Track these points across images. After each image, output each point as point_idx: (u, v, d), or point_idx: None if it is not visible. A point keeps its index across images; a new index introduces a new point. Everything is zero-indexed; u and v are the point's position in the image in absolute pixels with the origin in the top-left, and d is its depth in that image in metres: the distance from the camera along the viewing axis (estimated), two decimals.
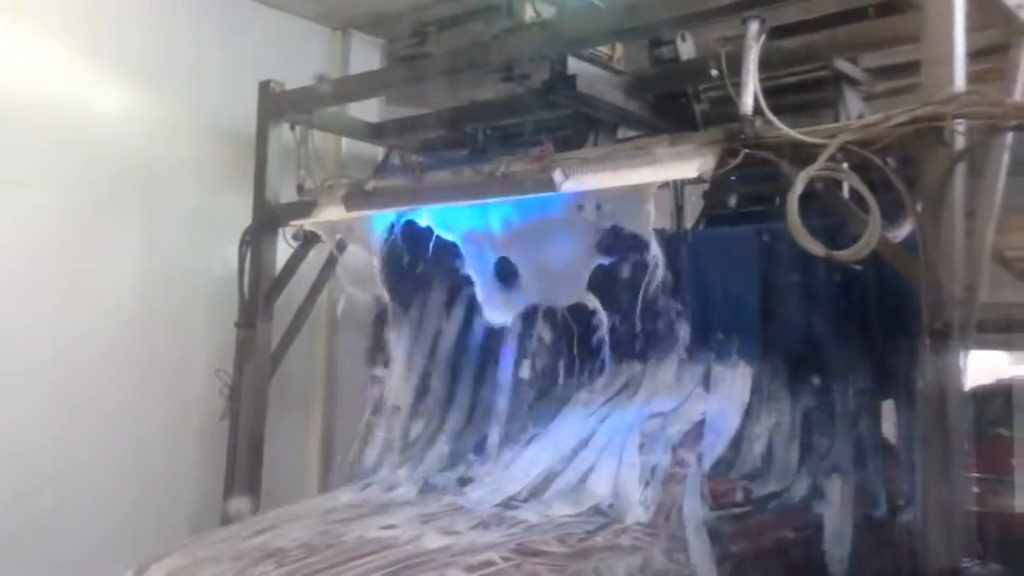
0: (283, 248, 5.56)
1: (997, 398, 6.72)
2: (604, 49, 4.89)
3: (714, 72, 4.08)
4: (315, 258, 5.57)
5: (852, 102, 4.64)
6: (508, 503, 4.18)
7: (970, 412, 3.55)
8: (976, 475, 3.81)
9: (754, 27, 3.70)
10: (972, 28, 3.48)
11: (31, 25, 5.02)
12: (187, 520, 5.46)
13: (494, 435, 4.70)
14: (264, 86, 5.64)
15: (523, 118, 5.44)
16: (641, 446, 4.13)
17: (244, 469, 5.45)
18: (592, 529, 3.76)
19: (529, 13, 4.56)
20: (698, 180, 3.87)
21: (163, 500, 5.45)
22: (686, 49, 5.05)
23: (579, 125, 5.17)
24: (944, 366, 3.30)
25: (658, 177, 3.81)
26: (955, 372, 3.31)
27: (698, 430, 4.14)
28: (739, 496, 3.98)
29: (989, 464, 5.84)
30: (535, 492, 4.23)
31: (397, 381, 5.04)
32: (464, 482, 4.51)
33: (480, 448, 4.74)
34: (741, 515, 3.96)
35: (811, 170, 3.42)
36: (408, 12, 6.10)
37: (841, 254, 3.48)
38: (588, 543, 3.62)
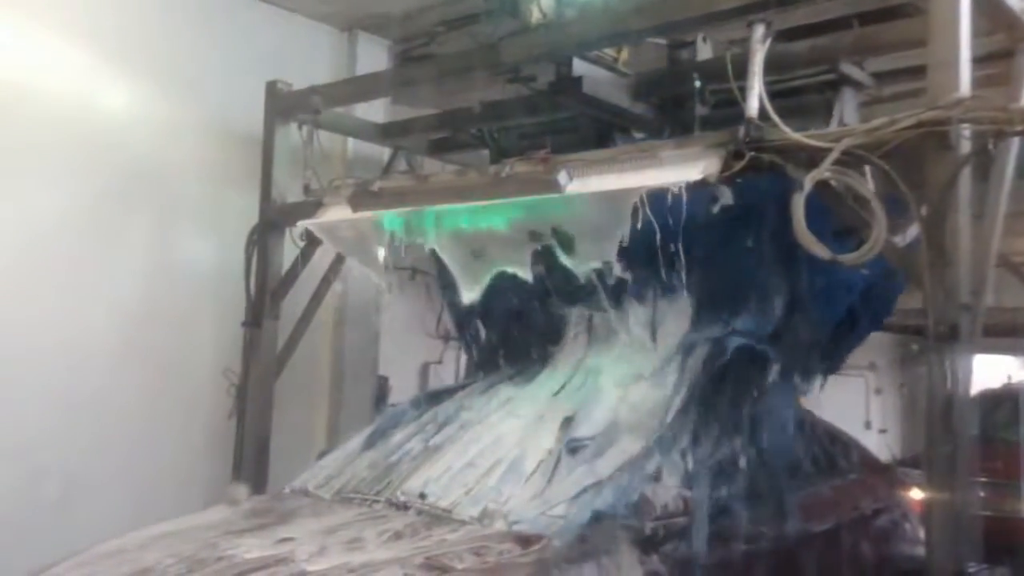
0: (289, 247, 5.58)
1: (1005, 403, 6.71)
2: (610, 51, 4.89)
3: None
4: (321, 257, 5.58)
5: (849, 105, 4.62)
6: (432, 511, 3.76)
7: (976, 416, 3.54)
8: (983, 479, 3.80)
9: (760, 30, 3.70)
10: (978, 33, 3.48)
11: (36, 25, 5.05)
12: None
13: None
14: (271, 86, 5.67)
15: (529, 119, 5.45)
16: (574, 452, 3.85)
17: (251, 467, 5.48)
18: (516, 542, 3.37)
19: (535, 15, 4.57)
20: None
21: (170, 498, 5.42)
22: (705, 51, 5.03)
23: (590, 127, 5.17)
24: (949, 370, 3.29)
25: (663, 180, 3.78)
26: (961, 376, 3.30)
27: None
28: (678, 505, 3.58)
29: (996, 468, 5.84)
30: (463, 500, 3.80)
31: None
32: (397, 489, 4.03)
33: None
34: (679, 527, 3.57)
35: (816, 173, 3.41)
36: (415, 13, 6.12)
37: (846, 258, 3.47)
38: (507, 559, 3.24)
